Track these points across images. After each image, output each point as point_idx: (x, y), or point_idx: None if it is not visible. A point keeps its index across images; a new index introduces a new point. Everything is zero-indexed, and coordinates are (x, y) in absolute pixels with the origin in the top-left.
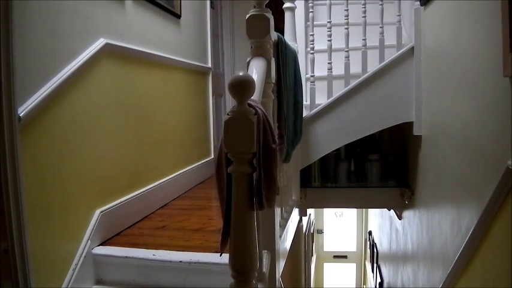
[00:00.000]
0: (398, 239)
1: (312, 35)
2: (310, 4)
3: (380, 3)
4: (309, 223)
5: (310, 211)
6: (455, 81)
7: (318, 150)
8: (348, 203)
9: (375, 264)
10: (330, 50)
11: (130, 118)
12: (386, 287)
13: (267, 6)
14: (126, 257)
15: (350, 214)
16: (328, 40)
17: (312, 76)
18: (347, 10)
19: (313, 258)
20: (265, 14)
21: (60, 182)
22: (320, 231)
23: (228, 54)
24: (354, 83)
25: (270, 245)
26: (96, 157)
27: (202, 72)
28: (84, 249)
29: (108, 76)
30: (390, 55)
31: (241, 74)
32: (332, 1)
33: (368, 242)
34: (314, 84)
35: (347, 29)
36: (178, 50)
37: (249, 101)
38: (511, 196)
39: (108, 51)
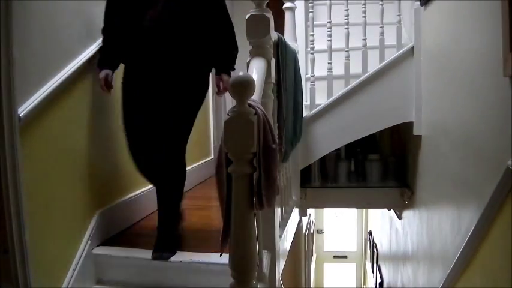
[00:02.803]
0: (398, 239)
1: (312, 35)
2: (310, 4)
3: (380, 3)
4: (309, 223)
5: (310, 211)
6: (455, 81)
7: (318, 150)
8: (348, 203)
9: (374, 264)
10: (330, 50)
11: None
12: (386, 287)
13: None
14: (126, 257)
15: (350, 214)
16: (328, 40)
17: (312, 76)
18: (347, 10)
19: (313, 258)
20: (265, 14)
21: (60, 182)
22: (320, 231)
23: None
24: (354, 83)
25: (270, 245)
26: (96, 157)
27: None
28: (84, 249)
29: None
30: (390, 55)
31: (241, 74)
32: (332, 1)
33: (368, 242)
34: (314, 84)
35: (347, 29)
36: None
37: (249, 101)
38: (511, 196)
39: None
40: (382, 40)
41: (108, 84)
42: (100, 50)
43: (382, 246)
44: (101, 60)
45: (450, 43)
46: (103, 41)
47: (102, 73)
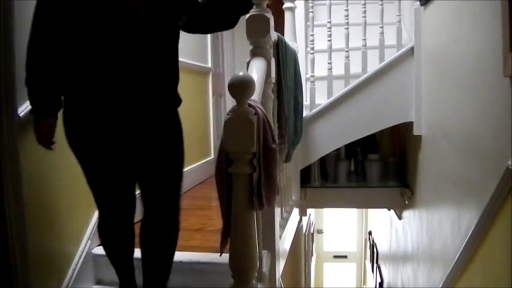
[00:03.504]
0: (398, 239)
1: (312, 35)
2: (310, 4)
3: (380, 3)
4: (309, 223)
5: (310, 211)
6: (455, 81)
7: (318, 150)
8: (348, 203)
9: (374, 264)
10: (330, 50)
11: None
12: (386, 287)
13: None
14: None
15: (350, 214)
16: (328, 40)
17: (312, 76)
18: (347, 10)
19: (313, 258)
20: (265, 14)
21: (60, 181)
22: (320, 231)
23: (228, 54)
24: (354, 83)
25: (270, 245)
26: None
27: (202, 72)
28: (84, 249)
29: None
30: (390, 55)
31: (241, 74)
32: (332, 1)
33: (368, 242)
34: (314, 84)
35: (347, 29)
36: None
37: (249, 101)
38: (511, 196)
39: None
40: (382, 40)
41: (50, 140)
42: (29, 83)
43: (382, 246)
44: (36, 100)
45: (450, 43)
46: (31, 68)
47: (40, 126)
